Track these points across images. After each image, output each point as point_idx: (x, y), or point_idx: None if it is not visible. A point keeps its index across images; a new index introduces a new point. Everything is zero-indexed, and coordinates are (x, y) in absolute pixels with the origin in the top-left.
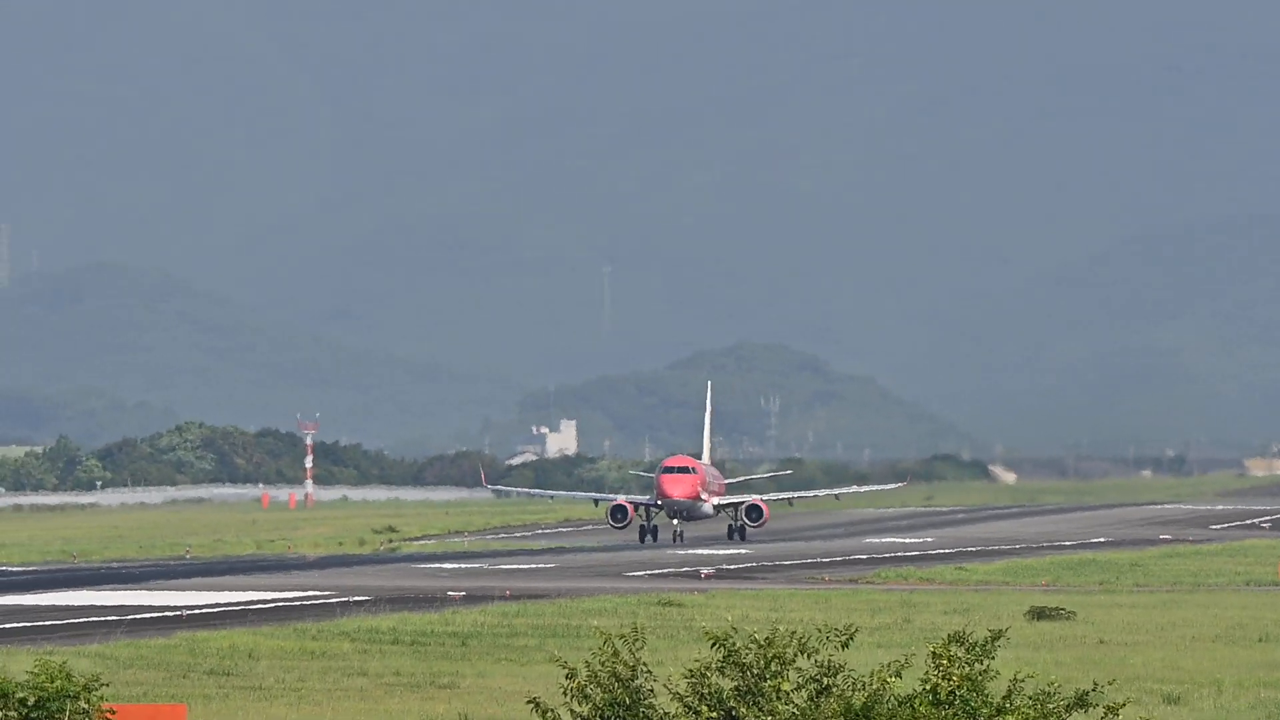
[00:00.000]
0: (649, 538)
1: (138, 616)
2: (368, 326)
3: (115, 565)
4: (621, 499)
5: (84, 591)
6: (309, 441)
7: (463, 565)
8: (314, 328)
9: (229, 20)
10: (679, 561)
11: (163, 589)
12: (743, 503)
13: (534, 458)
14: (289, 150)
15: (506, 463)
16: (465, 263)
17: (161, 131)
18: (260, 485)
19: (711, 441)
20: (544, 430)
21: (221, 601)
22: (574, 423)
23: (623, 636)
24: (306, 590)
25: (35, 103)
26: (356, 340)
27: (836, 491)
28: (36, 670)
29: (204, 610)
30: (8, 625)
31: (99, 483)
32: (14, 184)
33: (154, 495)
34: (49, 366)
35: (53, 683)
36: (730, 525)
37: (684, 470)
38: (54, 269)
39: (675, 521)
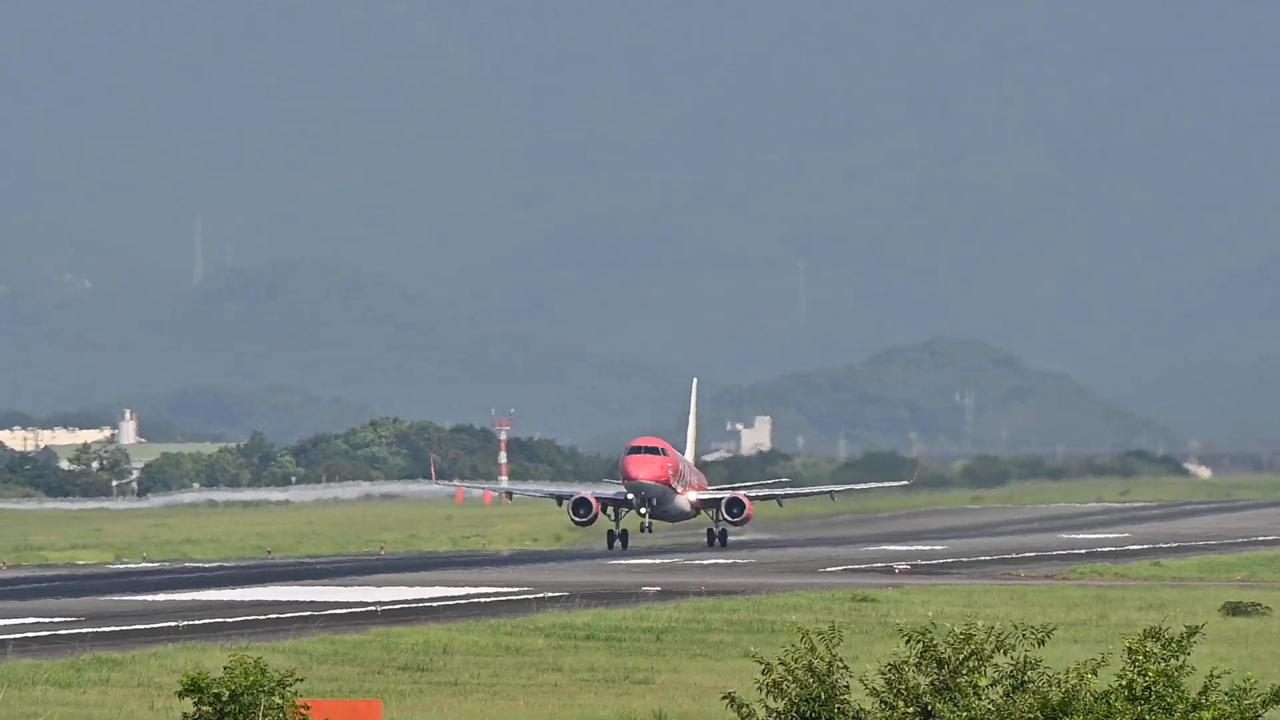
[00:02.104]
0: (617, 543)
1: (332, 612)
2: (562, 322)
3: (310, 561)
4: (585, 492)
5: (278, 587)
6: (503, 437)
7: (658, 560)
8: (509, 323)
9: (419, 17)
10: (869, 558)
11: (357, 584)
12: (722, 498)
13: (728, 454)
14: (483, 145)
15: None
16: (659, 258)
17: (355, 127)
18: (455, 481)
19: (696, 442)
20: (738, 426)
21: (416, 597)
22: (768, 419)
23: (819, 632)
24: (501, 586)
25: (228, 100)
26: (551, 335)
27: (830, 489)
28: (231, 665)
29: (399, 606)
30: (203, 621)
31: (293, 479)
32: (207, 181)
33: (348, 491)
34: (243, 363)
35: (247, 678)
36: (710, 531)
37: (653, 451)
38: (248, 265)
39: (643, 511)
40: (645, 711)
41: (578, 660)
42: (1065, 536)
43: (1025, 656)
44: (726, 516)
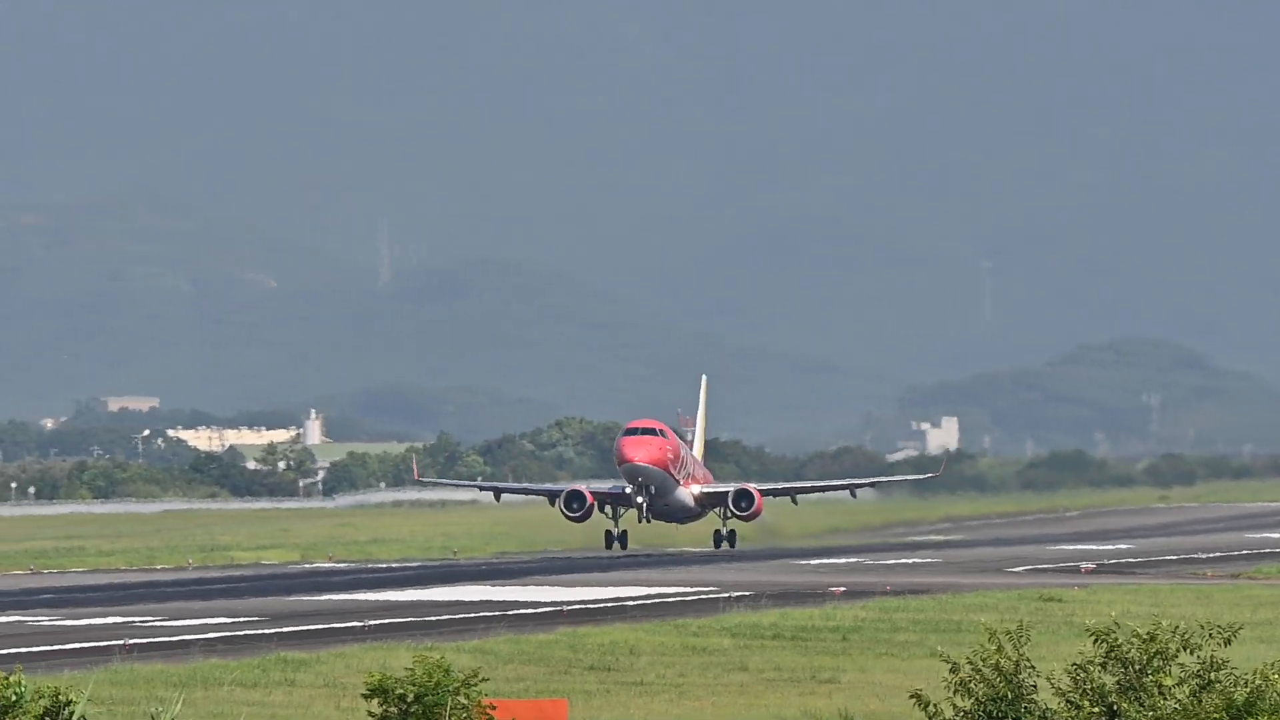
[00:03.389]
0: (616, 544)
1: (518, 612)
2: (750, 321)
3: (496, 561)
4: (580, 485)
5: (465, 587)
6: (689, 438)
7: (844, 560)
8: (697, 322)
9: (610, 14)
10: (1055, 557)
11: (544, 584)
12: (729, 490)
13: (915, 454)
14: (674, 144)
15: (887, 458)
16: (848, 257)
17: (545, 125)
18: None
19: (705, 438)
20: (924, 426)
21: (603, 597)
22: (955, 419)
23: (1006, 632)
24: (687, 586)
25: (415, 99)
26: (739, 335)
27: (851, 483)
28: (416, 666)
29: (585, 605)
30: (389, 621)
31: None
32: (395, 180)
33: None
34: (430, 362)
35: (431, 678)
36: (717, 532)
37: (650, 433)
38: (435, 265)
39: (640, 499)
40: (831, 711)
41: (764, 660)
42: (1252, 536)
43: (1211, 656)
44: (734, 510)
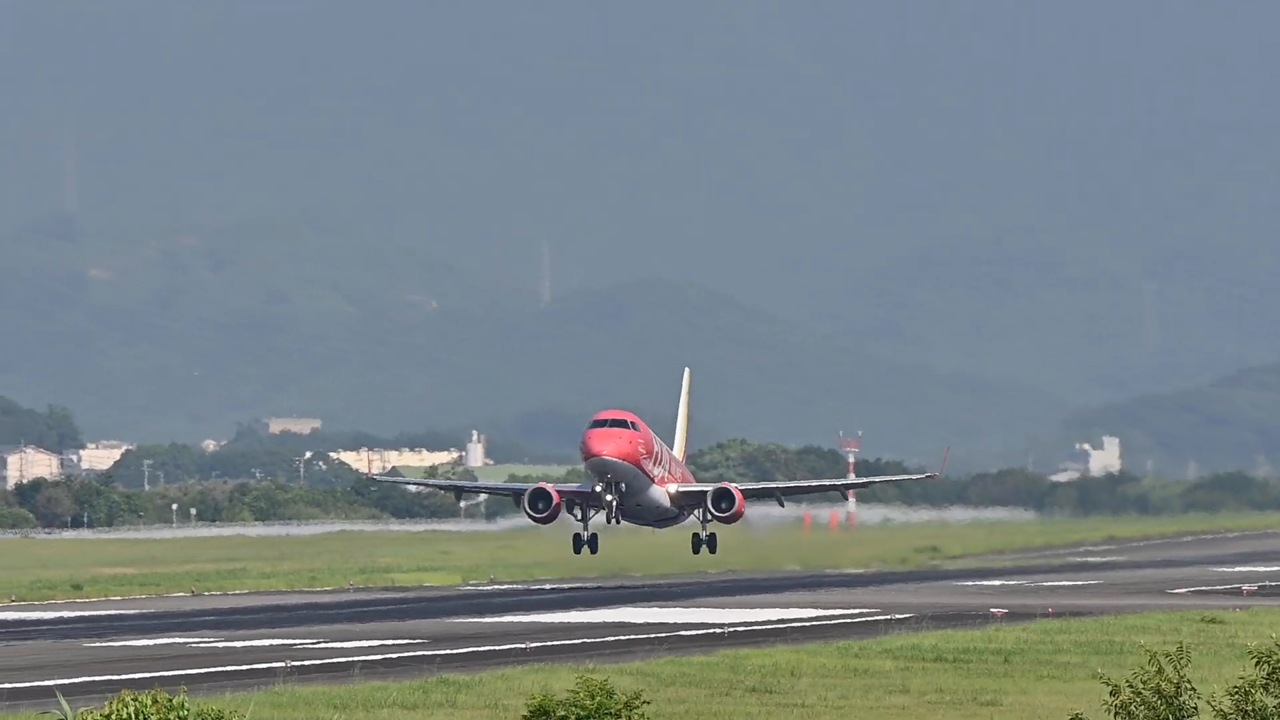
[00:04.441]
0: (585, 548)
1: (681, 634)
2: (912, 342)
3: (658, 583)
4: (546, 484)
5: (627, 609)
6: (851, 459)
7: (1006, 582)
8: (859, 343)
9: (772, 37)
10: (1218, 579)
11: (706, 606)
12: (708, 490)
13: (1077, 475)
14: (834, 166)
15: (1050, 479)
16: (1009, 278)
17: (705, 147)
18: (803, 504)
19: (687, 437)
20: (1087, 448)
21: (765, 619)
22: (1117, 440)
23: (1167, 654)
24: (849, 608)
25: (577, 119)
26: (900, 356)
27: (841, 483)
28: (578, 687)
29: (747, 628)
30: (552, 643)
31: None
32: (556, 201)
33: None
34: (591, 383)
35: (593, 700)
36: (695, 536)
37: (620, 425)
38: (597, 286)
39: (610, 497)
40: None
41: (925, 682)
42: None
43: None
44: (714, 511)
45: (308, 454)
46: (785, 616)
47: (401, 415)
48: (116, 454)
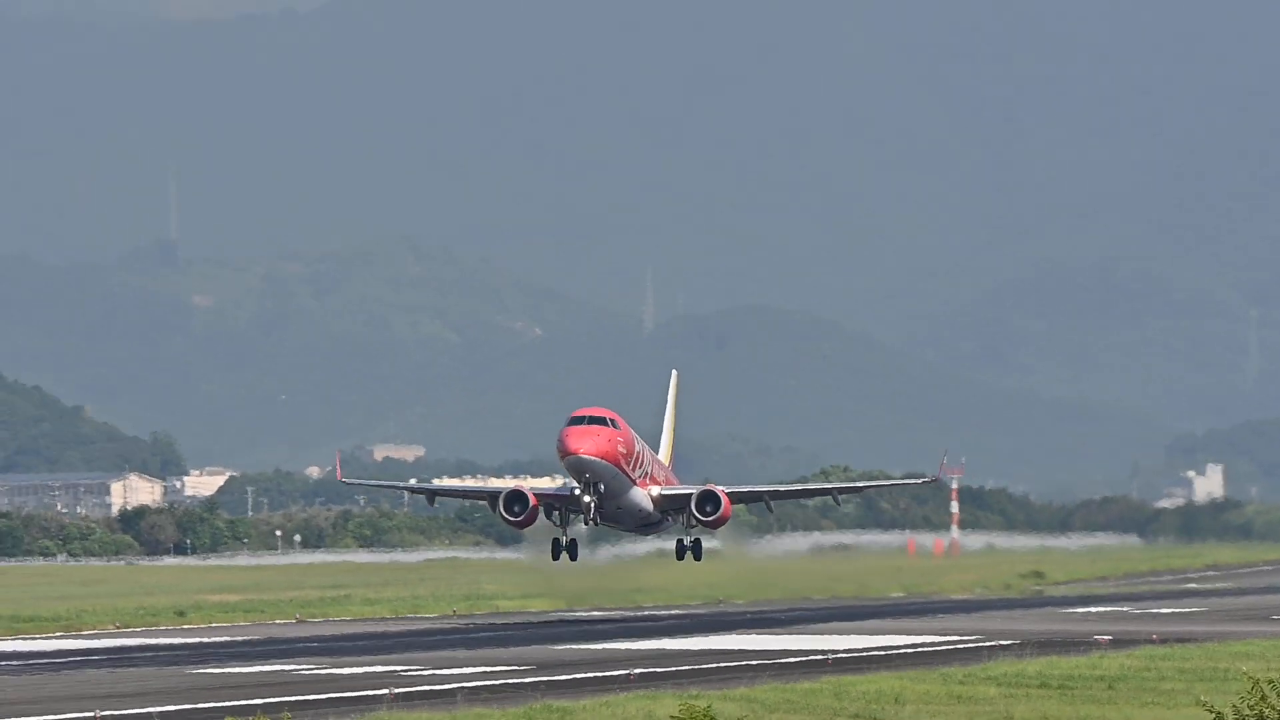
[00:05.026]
0: (564, 554)
1: (784, 660)
2: (1015, 369)
3: (762, 610)
4: (523, 486)
5: (731, 635)
6: (954, 486)
7: (1110, 609)
8: (962, 370)
9: (876, 64)
10: None
11: (810, 632)
12: (691, 493)
13: (1181, 502)
14: (938, 192)
15: (1154, 506)
16: (1113, 304)
17: (809, 174)
18: (906, 531)
19: (673, 440)
20: (1190, 474)
21: (868, 645)
22: (1220, 467)
23: (1270, 681)
24: (953, 634)
25: (681, 146)
26: (1004, 382)
27: (833, 487)
28: (681, 713)
29: (851, 654)
30: (656, 669)
31: (745, 528)
32: (659, 227)
33: (800, 541)
34: (695, 409)
35: None
36: (680, 542)
37: (599, 422)
38: (700, 312)
39: (588, 498)
40: None
41: (1029, 709)
42: None
43: None
44: (698, 515)
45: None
46: (889, 643)
47: (505, 442)
48: (220, 480)
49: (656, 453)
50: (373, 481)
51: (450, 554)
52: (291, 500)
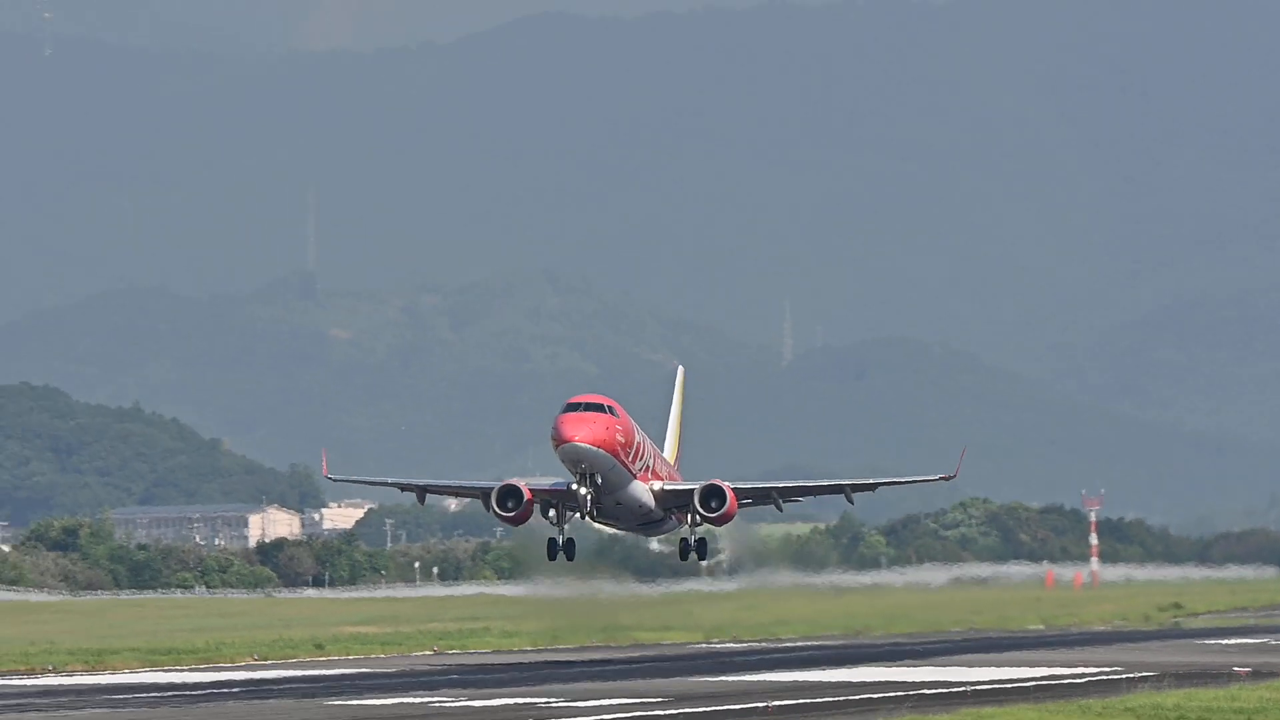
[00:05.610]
0: (560, 553)
1: (922, 692)
2: (1154, 400)
3: (899, 642)
4: (517, 480)
5: (868, 668)
6: (1093, 518)
7: (1249, 641)
8: (1100, 402)
9: (1012, 96)
10: None
11: (946, 664)
12: (694, 488)
13: None
14: (1075, 224)
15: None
16: (1251, 336)
17: (947, 206)
18: (1044, 563)
19: (679, 437)
20: None
21: (1006, 677)
22: None
23: None
24: (1091, 666)
25: (818, 178)
26: (1143, 414)
27: (844, 483)
28: None
29: (989, 686)
30: (793, 701)
31: (883, 560)
32: (797, 259)
33: (938, 573)
34: (834, 441)
35: None
36: (684, 541)
37: (596, 409)
38: (839, 344)
39: (585, 491)
40: None
41: None
42: None
43: None
44: (701, 510)
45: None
46: (1027, 675)
47: None
48: (358, 513)
49: (661, 450)
50: (360, 478)
51: (589, 586)
52: (430, 532)
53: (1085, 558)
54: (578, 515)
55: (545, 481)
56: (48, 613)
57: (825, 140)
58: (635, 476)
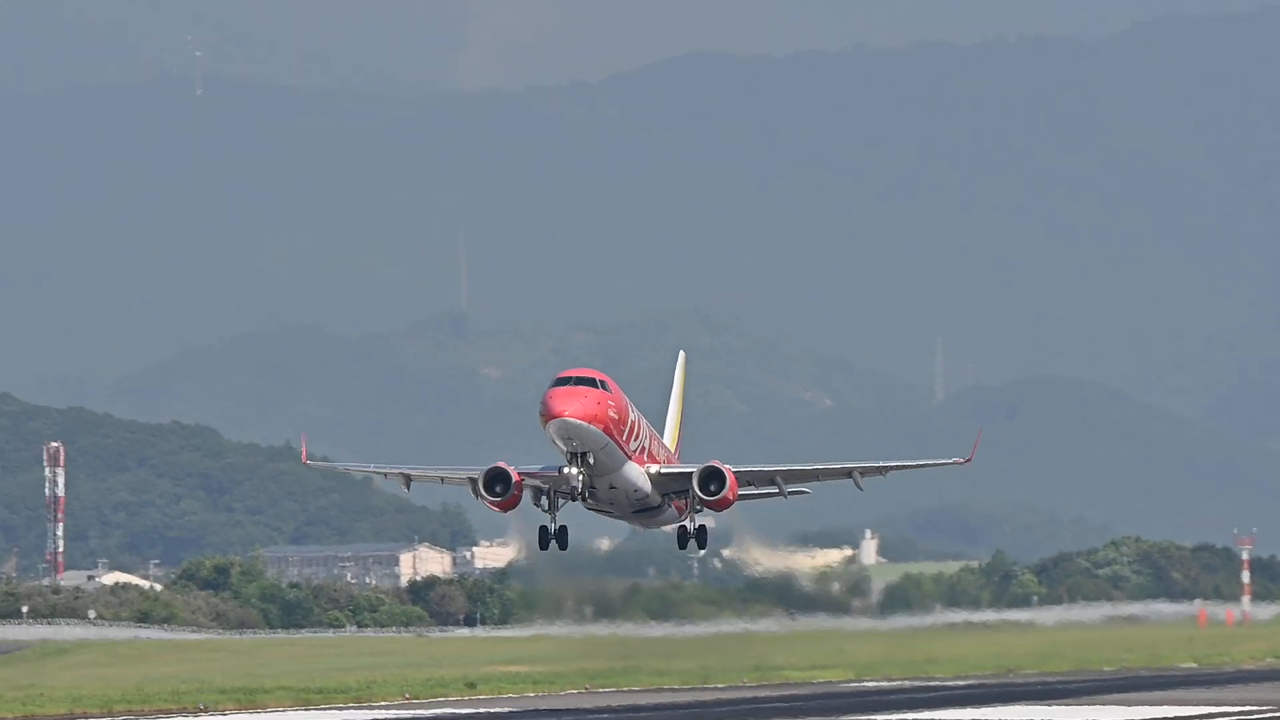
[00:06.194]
0: (552, 542)
1: None
2: None
3: (1051, 680)
4: (504, 464)
5: (1019, 707)
6: (1245, 557)
7: None
8: (1254, 440)
9: (1164, 134)
10: None
11: (1098, 704)
12: (693, 471)
13: None
14: (1227, 262)
15: None
16: None
17: (1099, 244)
18: (1196, 601)
19: (680, 423)
20: None
21: (1159, 717)
22: None
23: None
24: (1246, 705)
25: (969, 216)
26: None
27: (855, 465)
28: None
29: None
30: None
31: (1034, 598)
32: (949, 299)
33: (1090, 612)
34: (986, 480)
35: None
36: (682, 529)
37: (587, 383)
38: (991, 383)
39: (576, 472)
40: None
41: None
42: None
43: None
44: (700, 494)
45: (702, 551)
46: (1180, 713)
47: (795, 513)
48: (510, 552)
49: (661, 436)
50: (339, 464)
51: (740, 625)
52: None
53: (1237, 596)
54: (571, 501)
55: (535, 465)
56: (199, 651)
57: (976, 179)
58: (630, 458)
